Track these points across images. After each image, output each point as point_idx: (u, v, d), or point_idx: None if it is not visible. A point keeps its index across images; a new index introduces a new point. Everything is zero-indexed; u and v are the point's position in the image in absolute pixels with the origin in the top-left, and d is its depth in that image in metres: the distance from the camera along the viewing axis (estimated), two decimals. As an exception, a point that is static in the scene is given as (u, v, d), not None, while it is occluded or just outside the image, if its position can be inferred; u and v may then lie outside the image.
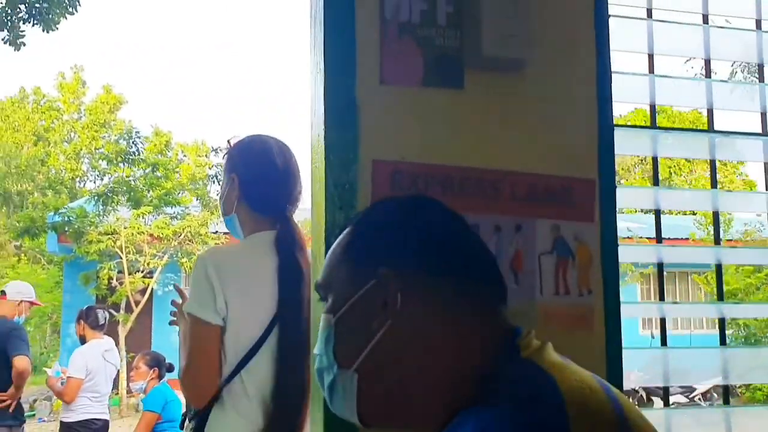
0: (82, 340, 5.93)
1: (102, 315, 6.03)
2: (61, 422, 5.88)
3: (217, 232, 14.14)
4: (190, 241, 13.57)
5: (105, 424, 5.95)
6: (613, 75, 1.46)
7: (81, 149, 28.98)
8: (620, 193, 1.47)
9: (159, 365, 5.62)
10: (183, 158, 15.54)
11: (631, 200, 2.07)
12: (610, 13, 1.48)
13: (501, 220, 1.37)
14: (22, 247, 25.96)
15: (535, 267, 1.38)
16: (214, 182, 14.29)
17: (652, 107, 1.72)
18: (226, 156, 2.24)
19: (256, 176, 2.11)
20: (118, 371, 6.80)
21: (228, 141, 2.26)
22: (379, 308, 0.90)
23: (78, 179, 30.76)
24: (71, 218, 13.48)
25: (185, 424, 2.03)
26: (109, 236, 13.29)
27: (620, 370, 1.38)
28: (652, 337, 13.05)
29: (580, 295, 1.39)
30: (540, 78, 1.40)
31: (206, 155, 14.96)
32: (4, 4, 11.20)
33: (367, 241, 0.96)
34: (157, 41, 61.22)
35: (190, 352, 1.93)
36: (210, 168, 14.68)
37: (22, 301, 5.41)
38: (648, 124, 1.76)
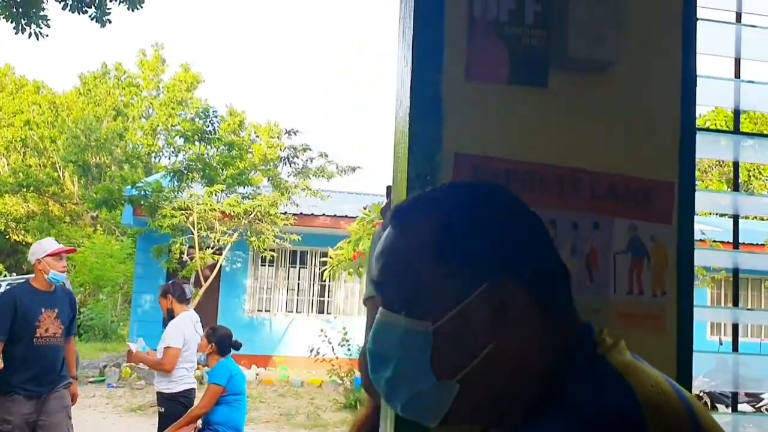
0: (170, 314, 6.11)
1: (189, 289, 6.27)
2: (161, 393, 5.99)
3: (285, 213, 14.41)
4: (259, 220, 13.86)
5: (195, 394, 6.15)
6: (698, 78, 1.46)
7: (158, 125, 29.78)
8: (699, 197, 1.47)
9: (218, 341, 5.78)
10: (255, 138, 15.80)
11: (710, 204, 2.06)
12: (698, 16, 1.48)
13: (579, 217, 1.39)
14: (99, 218, 26.89)
15: (609, 265, 1.40)
16: (285, 164, 14.52)
17: (736, 111, 1.70)
18: None
19: None
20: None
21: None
22: (489, 317, 0.85)
23: (154, 155, 31.58)
24: (147, 192, 13.91)
25: None
26: (183, 212, 13.68)
27: (690, 374, 1.39)
28: (720, 343, 12.75)
29: (653, 296, 1.40)
30: (625, 79, 1.41)
31: (278, 137, 15.16)
32: (93, -18, 11.53)
33: (461, 242, 0.89)
34: (235, 22, 62.17)
35: None
36: (282, 150, 14.88)
37: (40, 260, 5.25)
38: (730, 123, 1.74)
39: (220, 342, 5.77)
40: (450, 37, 1.38)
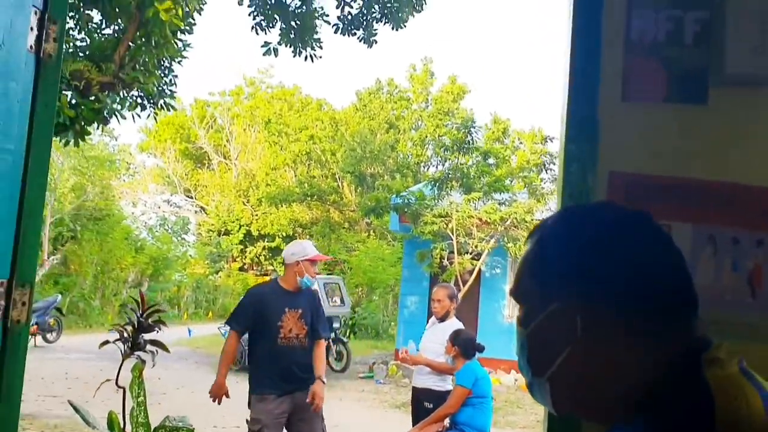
0: (445, 316, 6.50)
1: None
2: (430, 390, 6.31)
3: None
4: (515, 227, 14.03)
5: None
6: None
7: (426, 136, 31.09)
8: None
9: (462, 344, 5.99)
10: (519, 145, 15.94)
11: None
12: None
13: (740, 233, 1.38)
14: (372, 224, 28.73)
15: (775, 283, 1.37)
16: (542, 170, 14.51)
17: None
18: None
19: None
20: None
21: None
22: (562, 330, 0.97)
23: (422, 164, 33.00)
24: (411, 200, 14.73)
25: None
26: (443, 219, 14.29)
27: None
28: None
29: (825, 315, 1.35)
30: (793, 92, 1.38)
31: (542, 143, 15.12)
32: (361, 6, 12.50)
33: (552, 260, 1.01)
34: (499, 32, 62.83)
35: None
36: (544, 155, 14.86)
37: (299, 262, 5.33)
38: None
39: (464, 345, 6.00)
40: (606, 60, 1.45)
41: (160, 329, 4.00)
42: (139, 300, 3.95)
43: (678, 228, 1.40)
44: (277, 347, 5.17)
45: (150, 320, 3.87)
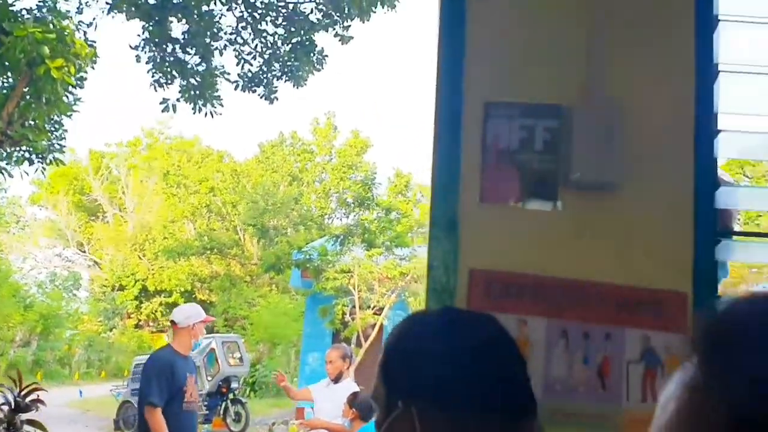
0: (339, 377, 6.46)
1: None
2: None
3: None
4: (415, 281, 14.23)
5: None
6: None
7: (330, 189, 31.27)
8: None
9: (359, 406, 5.98)
10: (421, 198, 16.25)
11: None
12: (719, 127, 1.53)
13: (590, 328, 1.47)
14: (274, 278, 28.44)
15: (622, 374, 1.46)
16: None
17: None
18: None
19: None
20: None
21: None
22: None
23: (327, 216, 33.08)
24: (313, 256, 14.73)
25: None
26: (345, 274, 14.34)
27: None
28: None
29: (667, 404, 1.44)
30: (635, 196, 1.49)
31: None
32: (261, 64, 12.58)
33: (394, 365, 1.10)
34: (400, 86, 64.29)
35: None
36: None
37: (194, 325, 5.29)
38: None
39: (362, 408, 5.98)
40: (466, 163, 1.54)
41: (38, 409, 3.81)
42: (17, 378, 3.77)
43: (533, 323, 1.48)
44: (182, 413, 5.09)
45: (28, 399, 3.69)
